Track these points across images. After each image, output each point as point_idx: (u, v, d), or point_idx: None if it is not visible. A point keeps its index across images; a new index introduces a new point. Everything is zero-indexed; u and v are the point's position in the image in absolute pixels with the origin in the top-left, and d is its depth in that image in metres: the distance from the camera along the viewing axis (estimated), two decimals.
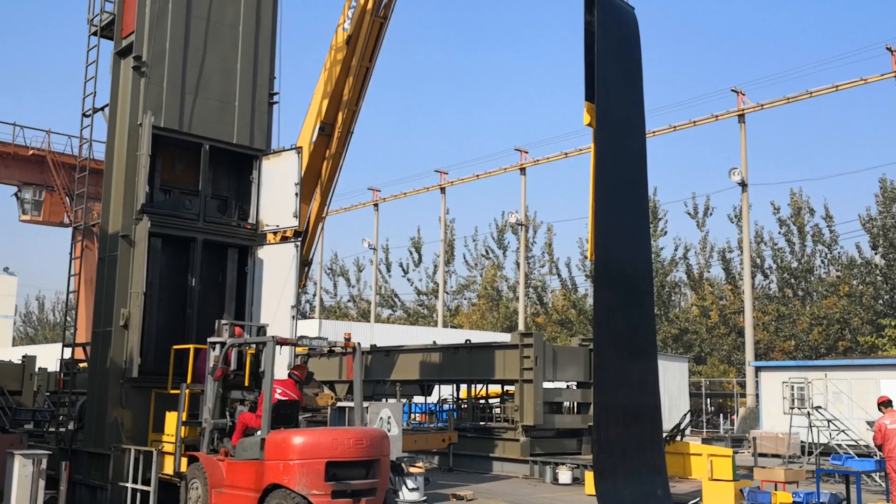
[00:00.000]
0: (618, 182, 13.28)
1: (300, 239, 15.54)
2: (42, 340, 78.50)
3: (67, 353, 14.48)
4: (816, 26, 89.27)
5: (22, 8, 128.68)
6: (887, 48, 31.48)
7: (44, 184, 37.57)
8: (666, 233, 47.70)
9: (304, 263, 19.74)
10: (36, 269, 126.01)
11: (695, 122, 37.12)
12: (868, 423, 21.87)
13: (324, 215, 20.73)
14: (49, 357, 23.48)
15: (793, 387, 23.70)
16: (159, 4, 13.21)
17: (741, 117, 35.21)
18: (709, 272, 47.83)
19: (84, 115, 14.33)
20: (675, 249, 47.61)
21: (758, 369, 28.39)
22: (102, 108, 14.04)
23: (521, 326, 43.90)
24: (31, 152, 37.26)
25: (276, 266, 13.93)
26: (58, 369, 16.67)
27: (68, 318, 18.81)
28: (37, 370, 18.27)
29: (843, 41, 79.87)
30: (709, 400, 42.09)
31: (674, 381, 33.58)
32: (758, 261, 43.86)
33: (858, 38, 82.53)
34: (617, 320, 12.70)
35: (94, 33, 14.43)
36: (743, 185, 35.00)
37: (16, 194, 38.31)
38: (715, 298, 45.97)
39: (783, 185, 60.99)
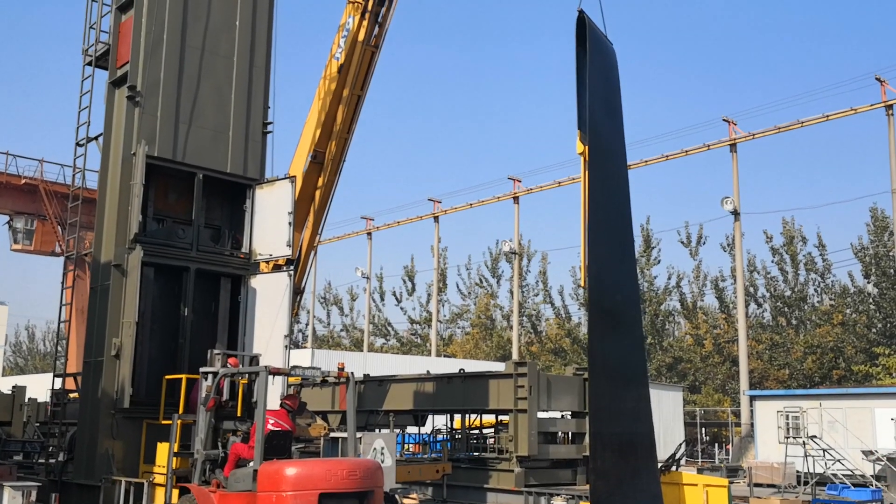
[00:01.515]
0: (607, 210, 13.44)
1: (293, 267, 15.52)
2: (32, 370, 77.93)
3: (58, 383, 14.37)
4: (807, 57, 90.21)
5: (16, 38, 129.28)
6: (877, 78, 31.80)
7: (36, 213, 37.54)
8: (659, 261, 47.82)
9: (297, 292, 19.70)
10: (26, 299, 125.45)
11: (687, 151, 37.34)
12: (864, 452, 21.81)
13: (316, 243, 20.72)
14: (39, 387, 23.29)
15: (788, 416, 23.65)
16: (154, 35, 13.27)
17: (733, 147, 35.44)
18: (702, 301, 47.88)
19: (78, 144, 14.34)
20: (669, 278, 47.69)
21: (752, 398, 28.31)
22: (96, 138, 14.06)
23: (515, 355, 43.80)
24: (23, 181, 37.26)
25: (268, 295, 13.88)
26: (48, 400, 16.53)
27: (59, 348, 18.72)
28: (27, 401, 18.13)
29: (833, 71, 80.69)
30: (703, 429, 41.93)
31: (668, 411, 33.44)
32: (751, 289, 43.92)
33: (848, 69, 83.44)
34: (609, 348, 12.76)
35: (89, 63, 14.48)
36: (735, 213, 35.14)
37: (8, 223, 38.24)
38: (709, 327, 45.97)
39: (775, 214, 61.31)
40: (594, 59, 13.35)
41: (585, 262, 13.13)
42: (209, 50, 13.87)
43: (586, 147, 13.22)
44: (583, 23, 13.39)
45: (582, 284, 13.70)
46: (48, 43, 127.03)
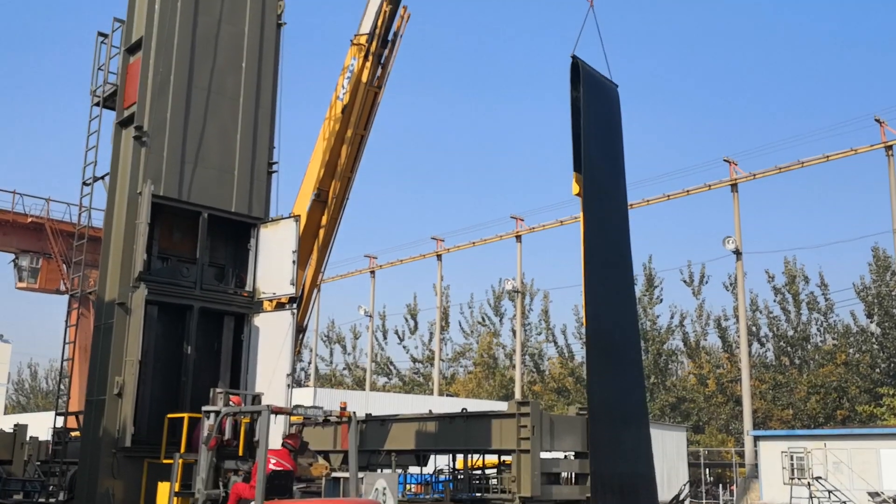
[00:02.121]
0: (606, 250, 13.57)
1: (296, 306, 15.56)
2: (34, 409, 77.63)
3: (60, 421, 14.33)
4: (807, 98, 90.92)
5: (25, 78, 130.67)
6: (876, 120, 32.05)
7: (41, 251, 37.67)
8: (661, 300, 47.82)
9: (299, 330, 19.71)
10: (29, 337, 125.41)
11: (688, 191, 37.53)
12: (870, 493, 21.62)
13: (319, 281, 20.77)
14: (41, 426, 23.21)
15: (792, 456, 23.49)
16: (161, 76, 13.46)
17: (734, 187, 35.62)
18: (705, 340, 47.78)
19: (84, 183, 14.48)
20: (672, 317, 47.64)
21: (756, 438, 28.13)
22: (103, 177, 14.18)
23: (517, 395, 43.62)
24: (29, 220, 37.46)
25: (271, 334, 13.90)
26: (49, 438, 16.47)
27: (62, 387, 18.69)
28: (28, 439, 18.04)
29: (832, 112, 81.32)
30: (707, 470, 41.57)
31: (672, 451, 33.21)
32: (754, 329, 43.84)
33: (848, 110, 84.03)
34: (609, 388, 12.79)
35: (97, 104, 14.67)
36: (737, 253, 35.20)
37: (13, 261, 38.36)
38: (712, 367, 45.80)
39: (777, 254, 61.35)
40: (589, 103, 13.60)
41: (585, 301, 13.23)
42: (215, 90, 14.06)
43: (581, 188, 13.40)
44: (577, 67, 13.68)
45: (584, 323, 13.81)
46: (56, 84, 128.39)
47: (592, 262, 13.05)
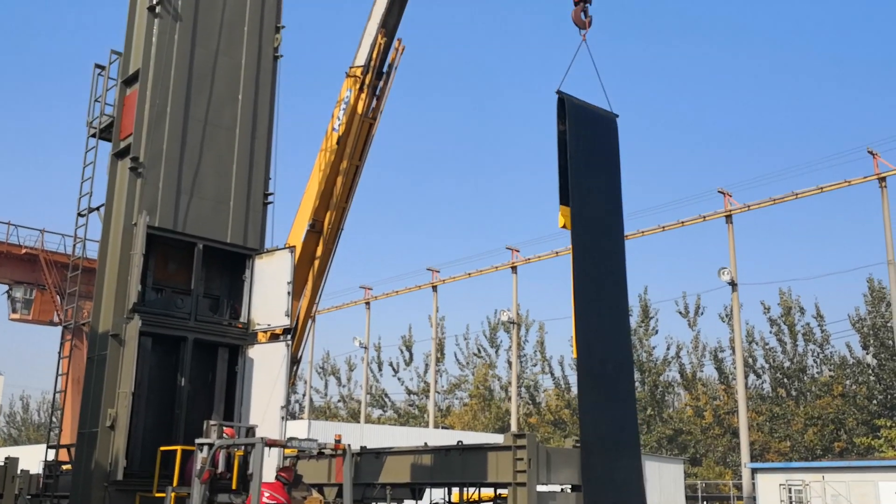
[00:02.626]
0: (596, 281, 13.58)
1: (290, 337, 15.50)
2: (25, 441, 76.93)
3: (51, 454, 14.18)
4: (799, 129, 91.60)
5: (21, 110, 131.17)
6: (869, 151, 32.28)
7: (35, 282, 37.61)
8: (657, 332, 47.73)
9: (294, 361, 19.61)
10: (22, 369, 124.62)
11: (683, 222, 37.65)
12: None
13: (314, 312, 20.70)
14: (32, 459, 22.93)
15: (790, 489, 23.34)
16: (158, 108, 13.50)
17: (728, 218, 35.74)
18: (701, 371, 47.67)
19: (79, 214, 14.46)
20: (668, 348, 47.57)
21: (754, 471, 27.97)
22: (98, 208, 14.17)
23: (513, 427, 43.39)
24: (24, 251, 37.42)
25: (266, 365, 13.82)
26: (40, 471, 16.29)
27: (54, 419, 18.53)
28: (19, 472, 17.82)
29: (825, 144, 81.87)
30: (705, 502, 41.26)
31: (669, 484, 32.96)
32: (750, 360, 43.76)
33: (841, 142, 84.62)
34: (601, 419, 12.75)
35: (93, 135, 14.70)
36: (733, 284, 35.23)
37: (7, 293, 38.26)
38: (708, 398, 45.64)
39: (773, 285, 61.41)
40: (575, 136, 13.73)
41: (574, 332, 13.28)
42: (212, 122, 14.10)
43: (568, 221, 13.49)
44: (563, 102, 13.84)
45: (574, 355, 13.86)
46: (52, 116, 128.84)
47: (582, 293, 13.10)
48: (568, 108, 13.81)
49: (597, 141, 14.41)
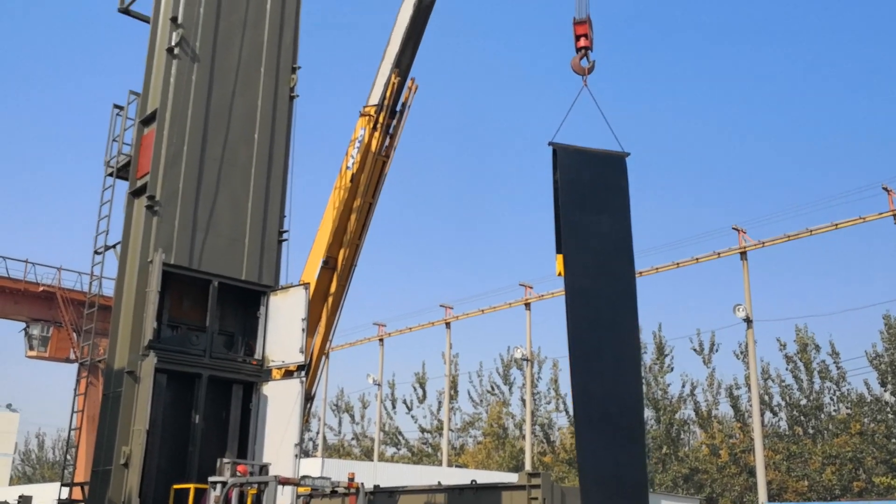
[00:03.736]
0: (596, 324, 13.58)
1: (304, 374, 15.53)
2: (40, 479, 76.80)
3: (65, 492, 14.19)
4: (813, 166, 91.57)
5: (39, 150, 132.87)
6: (884, 188, 32.23)
7: (52, 320, 37.85)
8: (672, 369, 47.35)
9: (307, 398, 19.61)
10: (38, 406, 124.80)
11: (697, 259, 37.55)
12: None
13: (327, 350, 20.75)
14: (46, 497, 22.92)
15: None
16: (175, 147, 13.70)
17: (743, 254, 35.63)
18: (717, 409, 47.18)
19: (96, 252, 14.64)
20: (683, 386, 47.15)
21: None
22: (114, 246, 14.33)
23: (528, 466, 42.97)
24: (41, 289, 37.73)
25: (280, 403, 13.83)
26: None
27: (68, 457, 18.56)
28: None
29: (840, 181, 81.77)
30: None
31: None
32: (766, 398, 43.33)
33: (855, 179, 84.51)
34: (602, 463, 12.60)
35: (111, 174, 14.93)
36: (748, 321, 35.02)
37: (24, 330, 38.51)
38: (724, 436, 45.14)
39: (788, 321, 60.96)
40: (568, 184, 13.92)
41: (570, 376, 13.33)
42: (228, 161, 14.28)
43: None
44: (555, 152, 14.06)
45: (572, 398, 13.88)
46: (70, 155, 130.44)
47: (578, 337, 13.22)
48: (560, 158, 14.05)
49: (599, 184, 14.50)
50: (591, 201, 14.31)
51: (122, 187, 14.56)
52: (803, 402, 42.95)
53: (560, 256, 13.85)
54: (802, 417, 43.05)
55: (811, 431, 42.95)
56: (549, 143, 14.13)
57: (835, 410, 42.99)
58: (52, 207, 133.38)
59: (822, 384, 42.91)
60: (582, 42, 15.38)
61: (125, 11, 16.19)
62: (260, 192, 14.51)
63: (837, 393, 42.75)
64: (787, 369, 43.46)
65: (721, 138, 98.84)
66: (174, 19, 14.11)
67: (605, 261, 14.14)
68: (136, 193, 14.10)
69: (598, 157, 14.62)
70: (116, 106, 15.28)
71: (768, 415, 43.80)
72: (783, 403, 43.92)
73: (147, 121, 14.38)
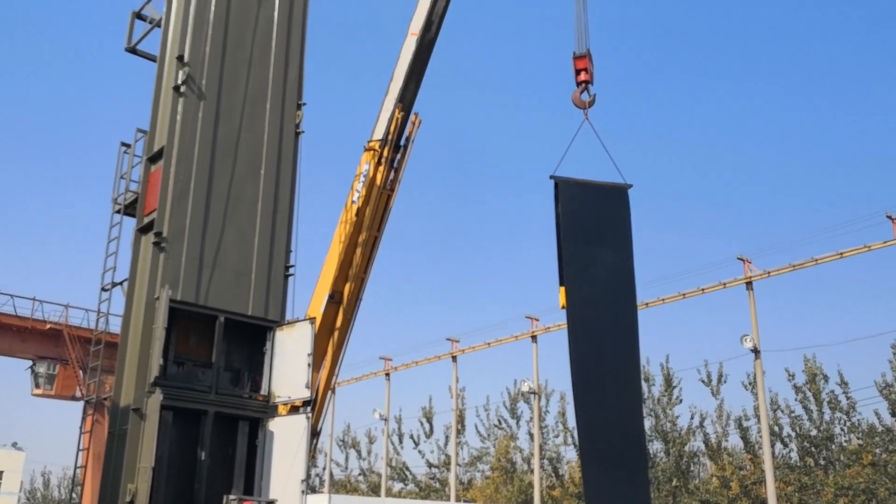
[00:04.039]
0: (599, 356, 13.61)
1: (310, 409, 15.48)
2: None
3: None
4: (816, 196, 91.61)
5: (47, 188, 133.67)
6: (888, 216, 32.21)
7: (58, 357, 37.85)
8: (681, 401, 47.02)
9: (314, 434, 19.54)
10: (43, 445, 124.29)
11: (703, 289, 37.46)
12: None
13: (333, 384, 20.70)
14: None
15: None
16: (182, 184, 13.79)
17: (749, 284, 35.55)
18: (726, 441, 46.75)
19: (103, 289, 14.68)
20: (692, 418, 46.79)
21: None
22: (121, 283, 14.38)
23: (536, 500, 42.58)
24: (48, 326, 37.79)
25: (286, 438, 13.78)
26: None
27: (74, 495, 18.48)
28: None
29: (843, 210, 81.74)
30: None
31: None
32: (775, 429, 42.96)
33: (859, 207, 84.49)
34: (609, 496, 12.57)
35: (118, 211, 15.03)
36: (755, 351, 34.86)
37: (30, 368, 38.49)
38: (734, 468, 44.70)
39: (796, 352, 60.67)
40: (569, 217, 14.01)
41: (574, 410, 13.33)
42: (234, 196, 14.36)
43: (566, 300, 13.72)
44: (556, 185, 14.18)
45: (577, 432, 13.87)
46: (77, 193, 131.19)
47: (581, 370, 13.25)
48: (562, 191, 14.18)
49: (601, 217, 14.60)
50: (593, 233, 14.40)
51: (130, 224, 14.67)
52: (813, 432, 42.57)
53: (563, 289, 13.91)
54: (813, 448, 42.64)
55: (822, 462, 42.52)
56: (551, 177, 14.24)
57: (846, 441, 42.59)
58: (60, 245, 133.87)
59: (832, 414, 42.56)
60: (582, 76, 15.55)
61: (132, 51, 16.44)
62: (266, 227, 14.57)
63: (848, 423, 42.39)
64: (796, 400, 43.15)
65: (725, 169, 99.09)
66: (180, 58, 14.29)
67: (606, 293, 14.21)
68: (143, 230, 14.17)
69: (600, 190, 14.72)
70: (124, 144, 15.43)
71: (779, 446, 43.40)
72: (793, 434, 43.53)
73: (154, 158, 14.49)
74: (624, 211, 14.80)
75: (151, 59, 15.85)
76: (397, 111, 19.87)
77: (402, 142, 20.31)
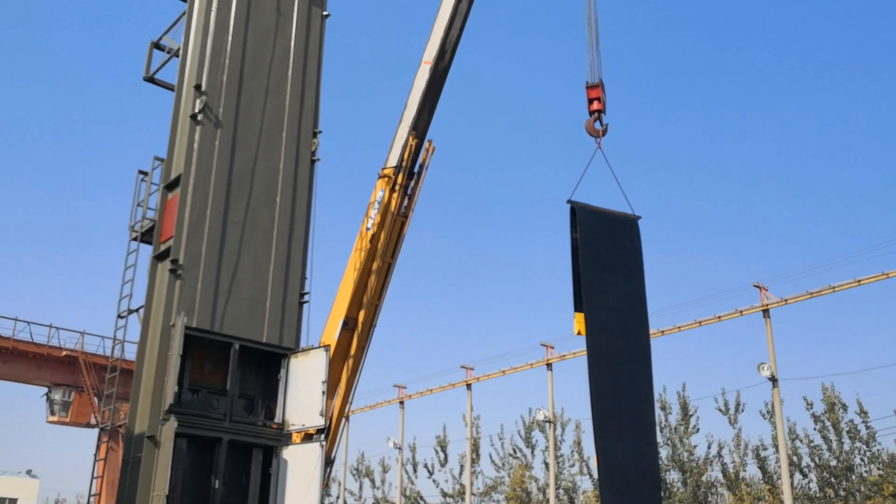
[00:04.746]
0: (616, 385, 13.57)
1: (324, 437, 15.42)
2: None
3: None
4: (833, 223, 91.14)
5: (63, 217, 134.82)
6: None
7: (74, 384, 37.93)
8: (698, 430, 46.54)
9: (327, 462, 19.44)
10: (57, 471, 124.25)
11: (720, 317, 37.24)
12: None
13: (347, 412, 20.63)
14: None
15: None
16: (198, 211, 13.87)
17: (766, 312, 35.32)
18: (744, 471, 46.19)
19: (119, 316, 14.74)
20: (709, 447, 46.28)
21: None
22: (137, 310, 14.43)
23: None
24: (64, 353, 37.91)
25: (300, 466, 13.71)
26: None
27: None
28: None
29: (860, 237, 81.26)
30: None
31: None
32: (794, 459, 42.42)
33: (876, 234, 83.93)
34: None
35: (135, 238, 15.12)
36: (773, 380, 34.55)
37: (46, 395, 38.59)
38: (753, 499, 44.12)
39: (815, 380, 60.06)
40: (587, 243, 14.00)
41: (594, 439, 13.26)
42: (250, 224, 14.42)
43: (583, 327, 13.67)
44: (573, 210, 14.18)
45: (596, 464, 13.75)
46: (94, 221, 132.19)
47: (600, 399, 13.18)
48: (579, 217, 14.17)
49: (615, 244, 14.63)
50: (609, 261, 14.42)
51: (147, 251, 14.74)
52: (833, 462, 42.00)
53: (579, 315, 13.89)
54: (833, 479, 42.04)
55: (842, 493, 41.91)
56: (568, 201, 14.24)
57: (866, 471, 41.99)
58: (78, 272, 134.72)
59: (852, 444, 42.00)
60: (595, 105, 15.65)
61: (150, 80, 16.63)
62: (282, 255, 14.61)
63: (868, 453, 41.82)
64: (815, 429, 42.63)
65: (740, 195, 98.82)
66: (198, 87, 14.43)
67: (622, 321, 14.21)
68: (159, 257, 14.24)
69: (613, 218, 14.77)
70: (141, 171, 15.56)
71: (798, 476, 42.82)
72: (812, 464, 42.96)
73: (171, 186, 14.60)
74: (636, 240, 14.85)
75: (169, 88, 16.02)
76: (411, 138, 19.99)
77: (416, 168, 20.41)
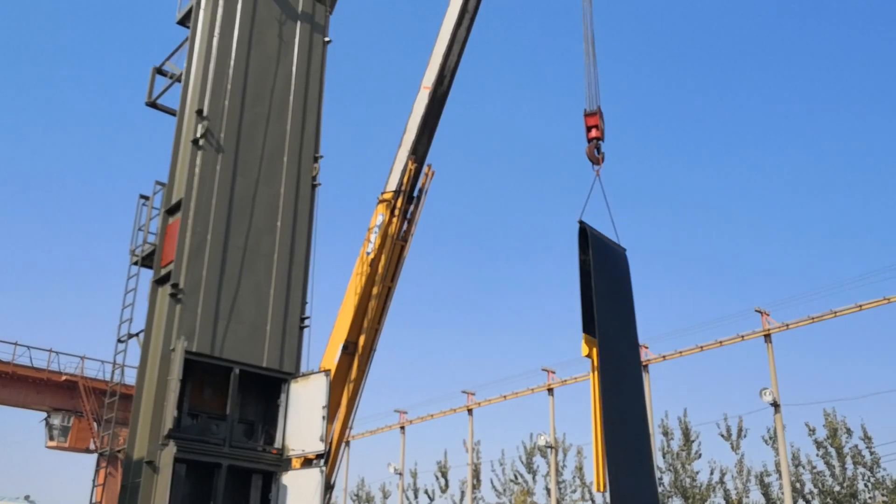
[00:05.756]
0: (622, 414, 13.54)
1: (324, 462, 15.34)
2: None
3: None
4: (833, 248, 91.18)
5: (63, 240, 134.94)
6: None
7: (73, 409, 37.81)
8: (700, 455, 46.27)
9: (327, 487, 19.32)
10: (55, 497, 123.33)
11: (721, 342, 37.16)
12: None
13: (347, 437, 20.54)
14: None
15: None
16: (199, 236, 13.90)
17: (767, 337, 35.26)
18: (747, 497, 45.86)
19: (119, 340, 14.71)
20: (711, 473, 45.98)
21: None
22: (137, 334, 14.42)
23: None
24: (63, 378, 37.81)
25: (299, 492, 13.63)
26: None
27: None
28: None
29: (860, 261, 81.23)
30: None
31: None
32: (797, 485, 42.14)
33: (876, 259, 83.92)
34: None
35: (136, 263, 15.13)
36: (775, 405, 34.41)
37: (44, 420, 38.45)
38: None
39: (817, 405, 59.83)
40: (598, 266, 13.97)
41: (602, 467, 13.13)
42: (251, 249, 14.45)
43: (592, 349, 13.58)
44: (584, 232, 14.16)
45: (597, 488, 13.60)
46: (94, 245, 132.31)
47: (609, 424, 13.08)
48: (591, 238, 14.14)
49: (615, 272, 14.68)
50: (613, 288, 14.43)
51: (147, 276, 14.74)
52: (836, 488, 41.72)
53: (587, 336, 13.81)
54: None
55: None
56: (579, 221, 14.23)
57: (870, 497, 41.69)
58: (78, 296, 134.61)
59: (855, 470, 41.73)
60: (593, 133, 15.74)
61: (152, 105, 16.73)
62: (282, 279, 14.62)
63: (872, 479, 41.54)
64: (818, 455, 42.38)
65: (741, 220, 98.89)
66: (199, 112, 14.51)
67: (626, 349, 14.20)
68: (160, 282, 14.24)
69: (612, 246, 14.84)
70: (142, 196, 15.60)
71: (801, 502, 42.52)
72: (816, 491, 42.66)
73: (172, 210, 14.63)
74: (628, 270, 14.94)
75: (171, 112, 16.11)
76: (410, 162, 20.05)
77: (416, 193, 20.45)
